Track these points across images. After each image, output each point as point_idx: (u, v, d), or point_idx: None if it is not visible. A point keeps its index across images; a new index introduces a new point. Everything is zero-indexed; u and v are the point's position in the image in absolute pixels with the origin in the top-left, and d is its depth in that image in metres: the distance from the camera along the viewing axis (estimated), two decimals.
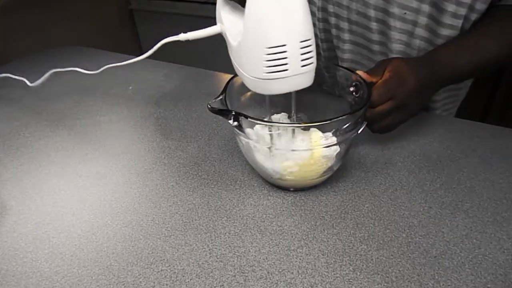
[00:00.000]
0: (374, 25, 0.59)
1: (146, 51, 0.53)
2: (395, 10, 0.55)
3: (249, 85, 0.41)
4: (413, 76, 0.45)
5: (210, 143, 0.57)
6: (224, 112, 0.41)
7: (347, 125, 0.41)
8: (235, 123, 0.41)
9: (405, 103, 0.45)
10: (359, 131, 0.44)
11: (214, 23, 0.47)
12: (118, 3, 1.86)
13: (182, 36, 0.46)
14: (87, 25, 1.63)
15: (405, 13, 0.55)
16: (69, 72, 0.83)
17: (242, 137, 0.44)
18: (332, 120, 0.38)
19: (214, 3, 0.48)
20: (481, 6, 0.52)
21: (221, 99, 0.43)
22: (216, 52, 0.94)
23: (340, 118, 0.38)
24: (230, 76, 0.47)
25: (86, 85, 0.77)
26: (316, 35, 0.67)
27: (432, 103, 0.67)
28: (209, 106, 0.41)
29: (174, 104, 0.68)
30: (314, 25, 0.65)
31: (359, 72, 0.45)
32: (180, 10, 1.75)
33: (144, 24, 1.93)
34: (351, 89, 0.47)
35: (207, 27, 0.46)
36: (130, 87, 0.70)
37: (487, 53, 0.51)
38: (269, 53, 0.35)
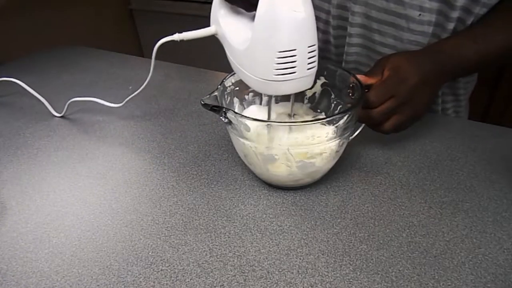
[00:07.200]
0: (385, 28, 0.58)
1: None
2: (409, 12, 0.54)
3: (253, 85, 0.41)
4: (413, 70, 0.44)
5: (210, 143, 0.57)
6: (216, 109, 0.41)
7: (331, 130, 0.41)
8: (226, 119, 0.41)
9: (408, 98, 0.44)
10: (350, 138, 0.44)
11: None
12: (118, 3, 1.86)
13: (176, 36, 0.47)
14: (87, 25, 1.63)
15: (419, 14, 0.54)
16: (69, 72, 0.83)
17: (233, 135, 0.44)
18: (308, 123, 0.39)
19: None
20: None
21: (215, 95, 0.43)
22: (216, 52, 0.94)
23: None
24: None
25: (86, 85, 0.77)
26: (328, 41, 0.67)
27: (438, 105, 0.66)
28: (202, 102, 0.41)
29: (174, 104, 0.68)
30: (327, 32, 0.65)
31: (359, 76, 0.45)
32: (180, 10, 1.75)
33: (144, 24, 1.93)
34: (348, 91, 0.47)
35: (206, 27, 0.46)
36: (130, 87, 0.70)
37: (492, 44, 0.49)
38: (280, 56, 0.36)
